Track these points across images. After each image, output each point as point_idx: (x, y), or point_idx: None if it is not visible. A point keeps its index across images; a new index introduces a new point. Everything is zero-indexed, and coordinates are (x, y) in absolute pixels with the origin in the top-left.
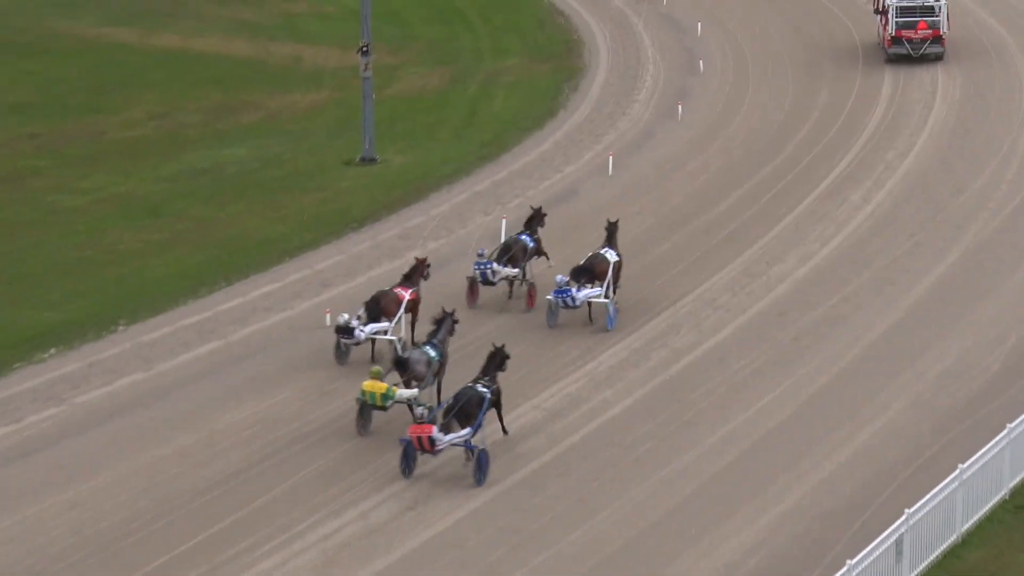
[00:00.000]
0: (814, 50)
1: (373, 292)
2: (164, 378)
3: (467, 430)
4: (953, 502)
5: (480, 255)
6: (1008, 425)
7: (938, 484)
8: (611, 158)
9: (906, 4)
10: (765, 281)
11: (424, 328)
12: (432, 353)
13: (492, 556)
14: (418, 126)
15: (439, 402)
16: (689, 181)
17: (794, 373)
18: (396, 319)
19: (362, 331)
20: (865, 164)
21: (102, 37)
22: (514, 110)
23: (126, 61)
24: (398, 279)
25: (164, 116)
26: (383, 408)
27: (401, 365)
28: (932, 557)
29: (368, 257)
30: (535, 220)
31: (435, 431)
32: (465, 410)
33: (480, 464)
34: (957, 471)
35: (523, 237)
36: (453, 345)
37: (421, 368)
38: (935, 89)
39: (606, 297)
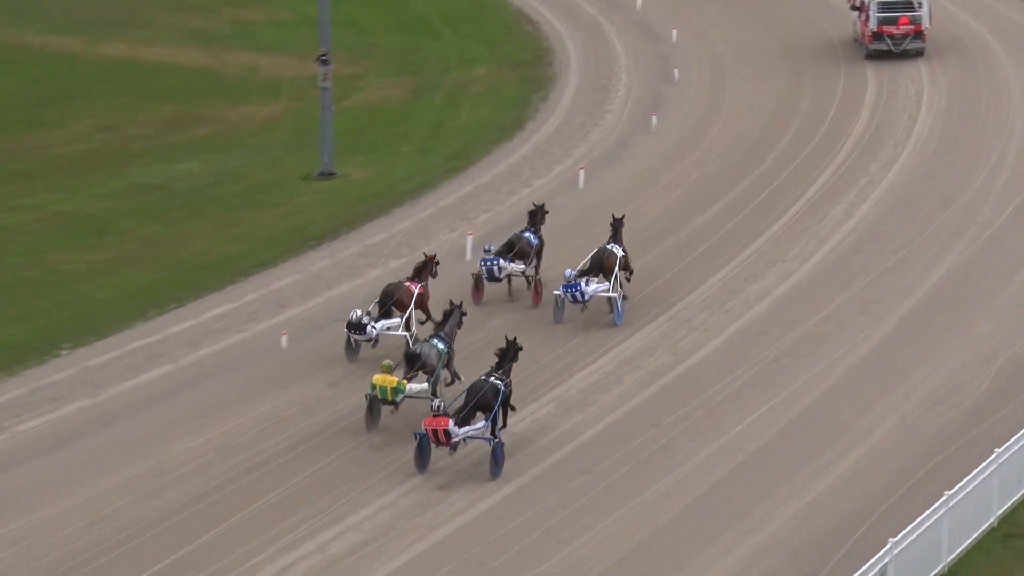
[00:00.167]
0: (793, 56)
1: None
2: (111, 404)
3: (482, 423)
4: (939, 531)
5: (487, 251)
6: (996, 450)
7: (924, 511)
8: (582, 172)
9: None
10: (744, 299)
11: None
12: (441, 346)
13: None
14: (380, 139)
15: (434, 393)
16: (664, 195)
17: (774, 395)
18: (407, 314)
19: (374, 327)
20: (847, 177)
21: (45, 46)
22: (481, 121)
23: (71, 71)
24: (410, 272)
25: (111, 129)
26: (394, 403)
27: (412, 359)
28: None
29: (327, 276)
30: (538, 216)
31: (451, 424)
32: (481, 403)
33: (496, 457)
34: (943, 498)
35: (527, 234)
36: (459, 343)
37: (432, 361)
38: (920, 98)
39: (613, 292)
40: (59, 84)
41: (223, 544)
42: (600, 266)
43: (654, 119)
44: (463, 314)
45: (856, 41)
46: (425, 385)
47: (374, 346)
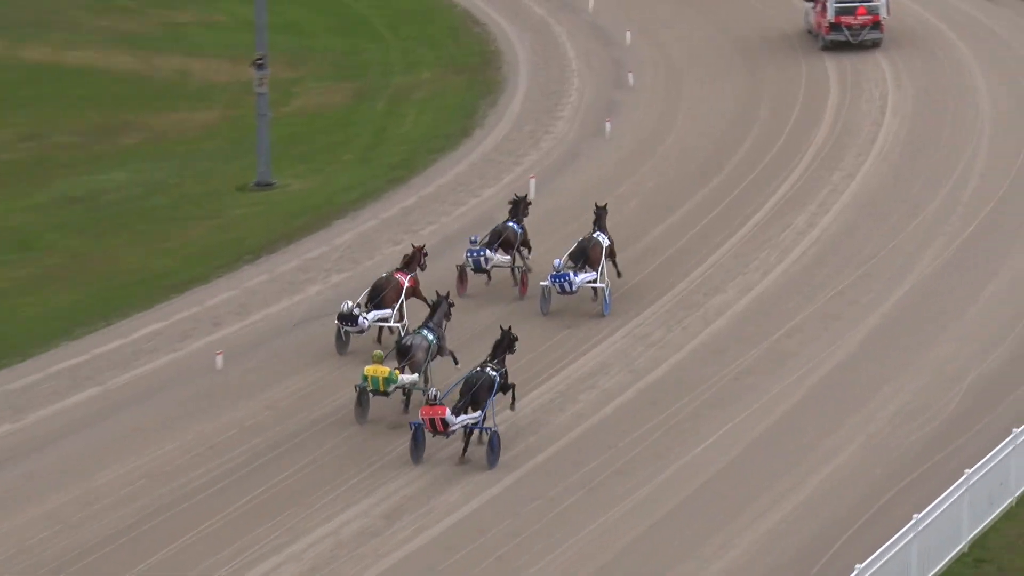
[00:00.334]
0: (751, 56)
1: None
2: (35, 430)
3: (478, 412)
4: (908, 556)
5: (473, 242)
6: (966, 470)
7: (892, 535)
8: (533, 181)
9: None
10: (702, 314)
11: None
12: (430, 337)
13: None
14: (319, 147)
15: (426, 384)
16: (619, 205)
17: (735, 416)
18: (398, 305)
19: (366, 319)
20: (810, 185)
21: None
22: (426, 128)
23: None
24: (398, 263)
25: (34, 138)
26: (385, 393)
27: (403, 351)
28: None
29: (264, 292)
30: (520, 207)
31: (448, 413)
32: (477, 394)
33: (492, 446)
34: (912, 521)
35: (511, 224)
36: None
37: (421, 354)
38: (884, 103)
39: (601, 282)
40: None
41: None
42: (585, 256)
43: (608, 125)
44: (451, 305)
45: (810, 32)
46: (416, 376)
47: (390, 336)
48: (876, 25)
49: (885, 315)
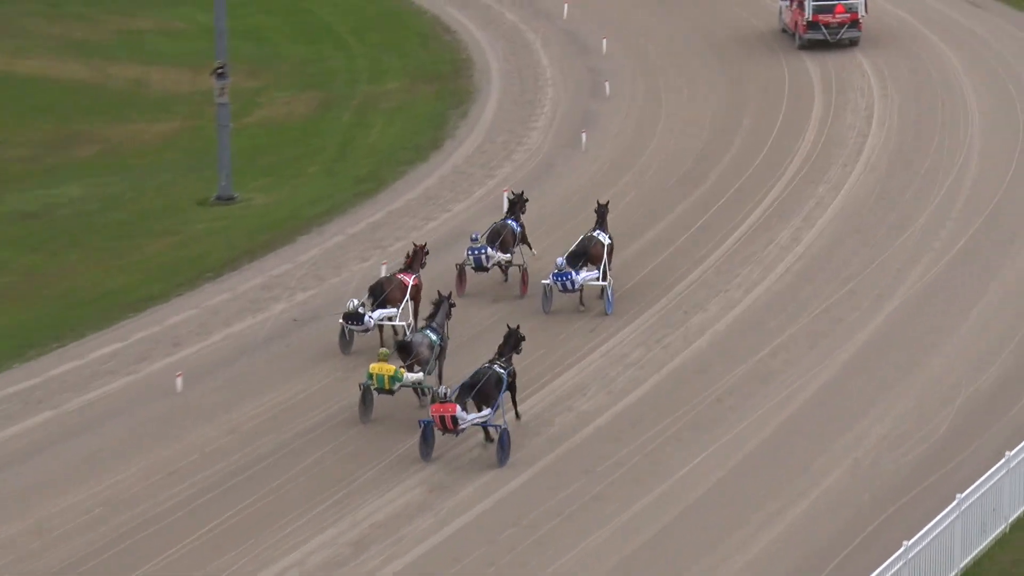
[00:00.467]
0: (733, 66)
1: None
2: None
3: (487, 410)
4: None
5: (474, 239)
6: (958, 495)
7: (880, 564)
8: (506, 195)
9: None
10: (683, 333)
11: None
12: (433, 336)
13: None
14: (283, 159)
15: (439, 381)
16: (594, 219)
17: (717, 439)
18: (402, 304)
19: (371, 317)
20: (794, 199)
21: None
22: (394, 140)
23: None
24: (400, 263)
25: None
26: (390, 391)
27: (405, 349)
28: None
29: (226, 311)
30: (518, 205)
31: (459, 410)
32: (484, 390)
33: (502, 444)
34: (902, 548)
35: (510, 222)
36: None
37: (425, 351)
38: (871, 113)
39: (603, 280)
40: None
41: None
42: (587, 254)
43: (584, 136)
44: (452, 305)
45: (784, 31)
46: (421, 375)
47: (395, 336)
48: (854, 23)
49: (873, 333)
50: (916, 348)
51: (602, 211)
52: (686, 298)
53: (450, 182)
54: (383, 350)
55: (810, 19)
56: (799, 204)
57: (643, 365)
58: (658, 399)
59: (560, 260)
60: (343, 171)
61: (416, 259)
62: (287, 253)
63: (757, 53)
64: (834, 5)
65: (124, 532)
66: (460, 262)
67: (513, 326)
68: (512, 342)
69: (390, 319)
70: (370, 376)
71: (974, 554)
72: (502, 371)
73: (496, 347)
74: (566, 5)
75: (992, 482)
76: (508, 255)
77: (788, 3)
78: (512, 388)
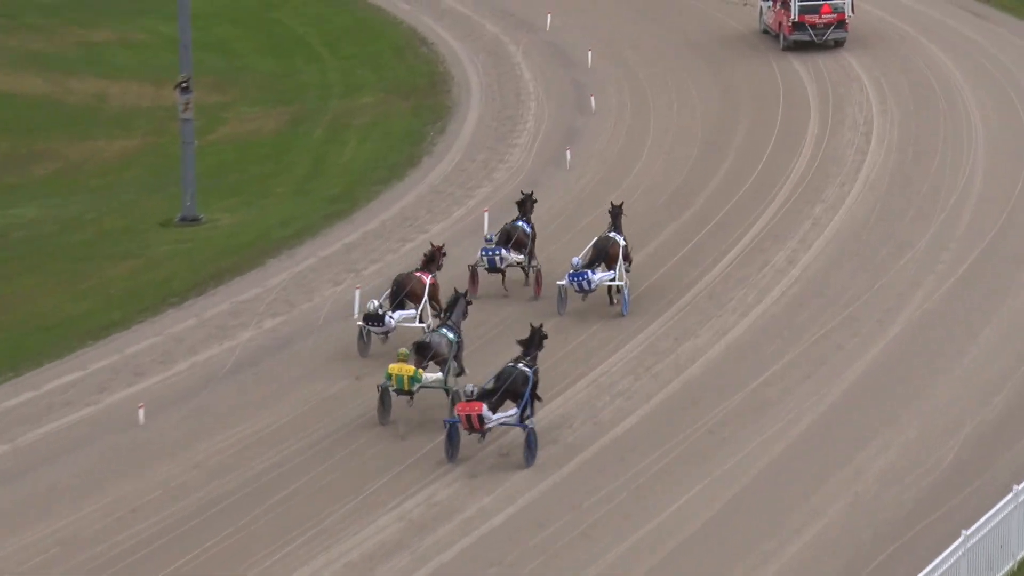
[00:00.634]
0: (724, 78)
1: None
2: None
3: (514, 410)
4: None
5: (488, 240)
6: (964, 532)
7: None
8: (487, 215)
9: None
10: (674, 360)
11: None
12: (451, 335)
13: None
14: (251, 178)
15: (446, 383)
16: (581, 241)
17: (709, 472)
18: (421, 304)
19: (392, 318)
20: (790, 219)
21: None
22: (368, 158)
23: None
24: (418, 263)
25: None
26: (409, 392)
27: (423, 349)
28: None
29: (191, 338)
30: (527, 205)
31: (485, 409)
32: (511, 389)
33: (529, 444)
34: None
35: (520, 223)
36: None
37: (443, 351)
38: (869, 129)
39: (619, 281)
40: None
41: None
42: (605, 255)
43: (568, 154)
44: (468, 303)
45: (767, 32)
46: (440, 375)
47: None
48: (841, 24)
49: (873, 360)
50: (919, 376)
51: (616, 212)
52: (677, 324)
53: (427, 202)
54: (402, 350)
55: (796, 20)
56: (795, 225)
57: (631, 395)
58: (647, 431)
59: (576, 260)
60: (315, 190)
61: (434, 260)
62: (255, 277)
63: (751, 66)
64: (820, 5)
65: (82, 574)
66: (472, 263)
67: (536, 325)
68: (536, 340)
69: (410, 320)
70: (388, 376)
71: None
72: (528, 370)
73: (511, 349)
74: (549, 16)
75: (999, 517)
76: (522, 256)
77: (770, 3)
78: (534, 389)
